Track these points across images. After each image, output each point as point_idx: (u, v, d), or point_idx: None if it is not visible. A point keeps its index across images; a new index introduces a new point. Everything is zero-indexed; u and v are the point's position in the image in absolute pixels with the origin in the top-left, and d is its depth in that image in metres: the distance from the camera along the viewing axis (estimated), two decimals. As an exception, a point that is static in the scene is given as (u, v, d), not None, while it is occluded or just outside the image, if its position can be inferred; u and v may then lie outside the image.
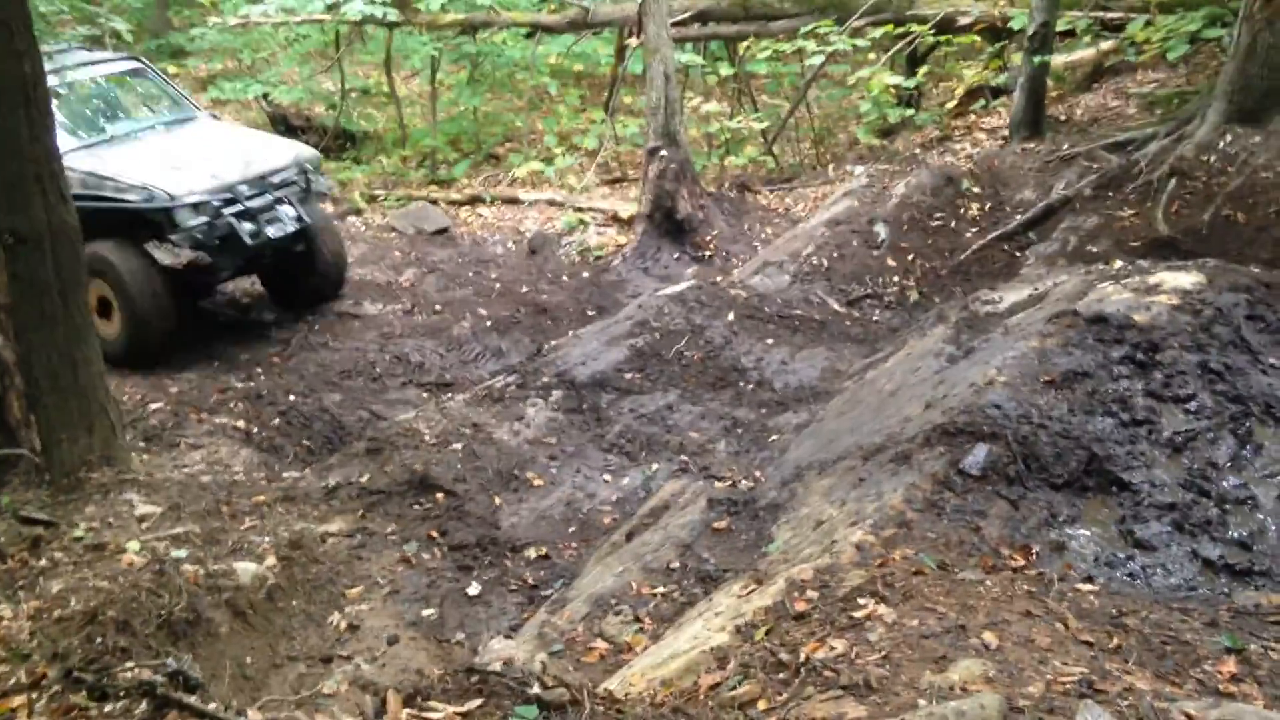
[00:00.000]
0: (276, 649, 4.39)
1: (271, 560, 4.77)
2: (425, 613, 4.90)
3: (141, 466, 5.49)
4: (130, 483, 5.06)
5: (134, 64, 9.74)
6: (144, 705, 2.90)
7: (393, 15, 12.95)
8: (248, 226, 8.26)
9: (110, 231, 7.98)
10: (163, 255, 8.00)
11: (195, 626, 4.07)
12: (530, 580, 5.18)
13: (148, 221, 8.04)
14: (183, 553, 4.50)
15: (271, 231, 8.43)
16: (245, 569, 4.59)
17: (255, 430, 7.10)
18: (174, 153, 8.56)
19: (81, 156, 8.06)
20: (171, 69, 17.28)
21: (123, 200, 7.98)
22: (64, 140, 7.23)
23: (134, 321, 7.99)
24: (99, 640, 3.63)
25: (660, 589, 4.38)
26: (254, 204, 8.38)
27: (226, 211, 8.19)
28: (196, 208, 8.03)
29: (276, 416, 7.36)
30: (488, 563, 5.30)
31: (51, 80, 7.63)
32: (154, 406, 7.29)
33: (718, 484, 5.48)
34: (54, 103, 7.28)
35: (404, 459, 5.94)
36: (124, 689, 2.99)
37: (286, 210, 8.59)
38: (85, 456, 5.15)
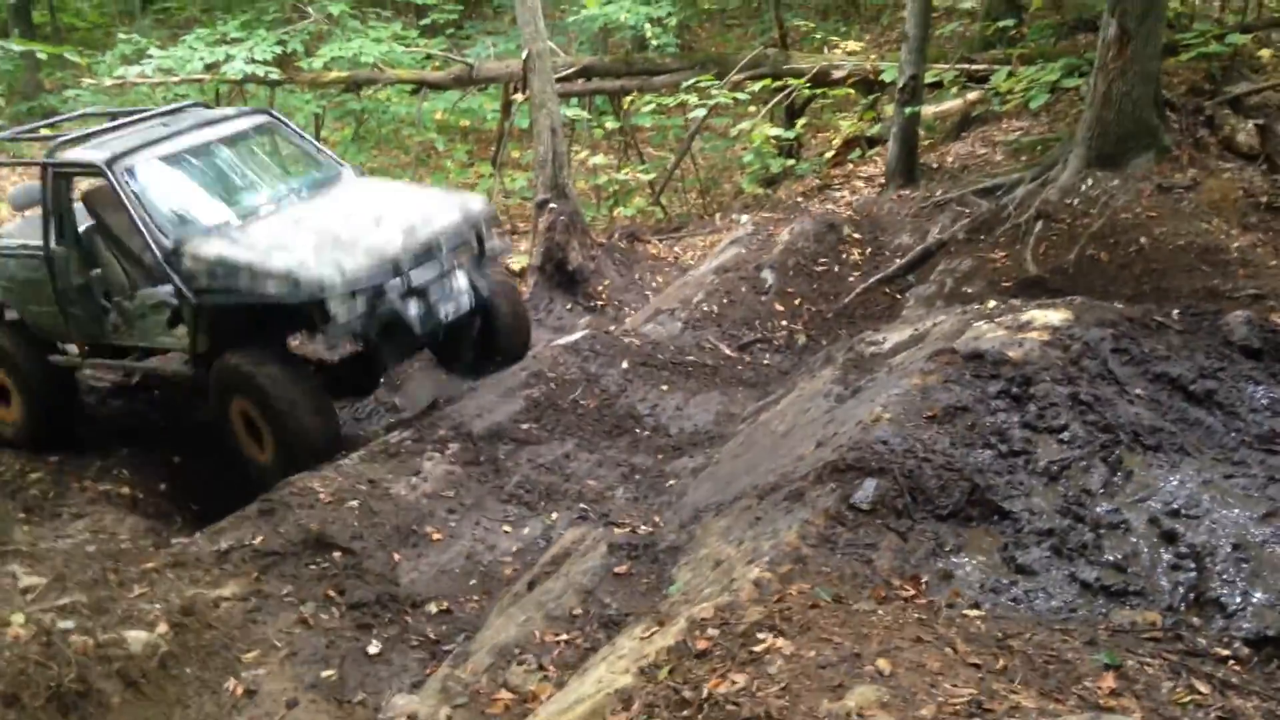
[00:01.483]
0: (171, 718, 4.29)
1: (163, 628, 4.67)
2: (325, 674, 4.83)
3: (24, 537, 5.33)
4: (12, 554, 4.91)
5: (261, 118, 8.18)
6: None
7: (275, 74, 12.87)
8: (415, 309, 6.91)
9: (245, 331, 6.89)
10: (315, 348, 7.28)
11: (86, 698, 3.97)
12: (432, 635, 5.15)
13: (293, 315, 6.80)
14: (70, 623, 4.39)
15: (445, 310, 7.10)
16: (136, 637, 4.49)
17: (141, 496, 6.93)
18: (320, 225, 7.04)
19: (208, 242, 6.81)
20: (44, 132, 16.85)
21: (260, 293, 6.56)
22: (185, 225, 6.82)
23: (288, 440, 6.71)
24: (-15, 718, 3.52)
25: (564, 636, 4.41)
26: (422, 279, 6.96)
27: (390, 293, 6.79)
28: (354, 295, 6.59)
29: (162, 481, 7.20)
30: (388, 620, 5.26)
31: (165, 149, 7.18)
32: (33, 476, 7.07)
33: (617, 530, 5.54)
34: (173, 178, 7.11)
35: (298, 518, 5.86)
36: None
37: (459, 282, 7.24)
38: (-37, 530, 4.99)
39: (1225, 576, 3.99)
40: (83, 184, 8.11)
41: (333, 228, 6.94)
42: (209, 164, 7.52)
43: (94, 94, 14.93)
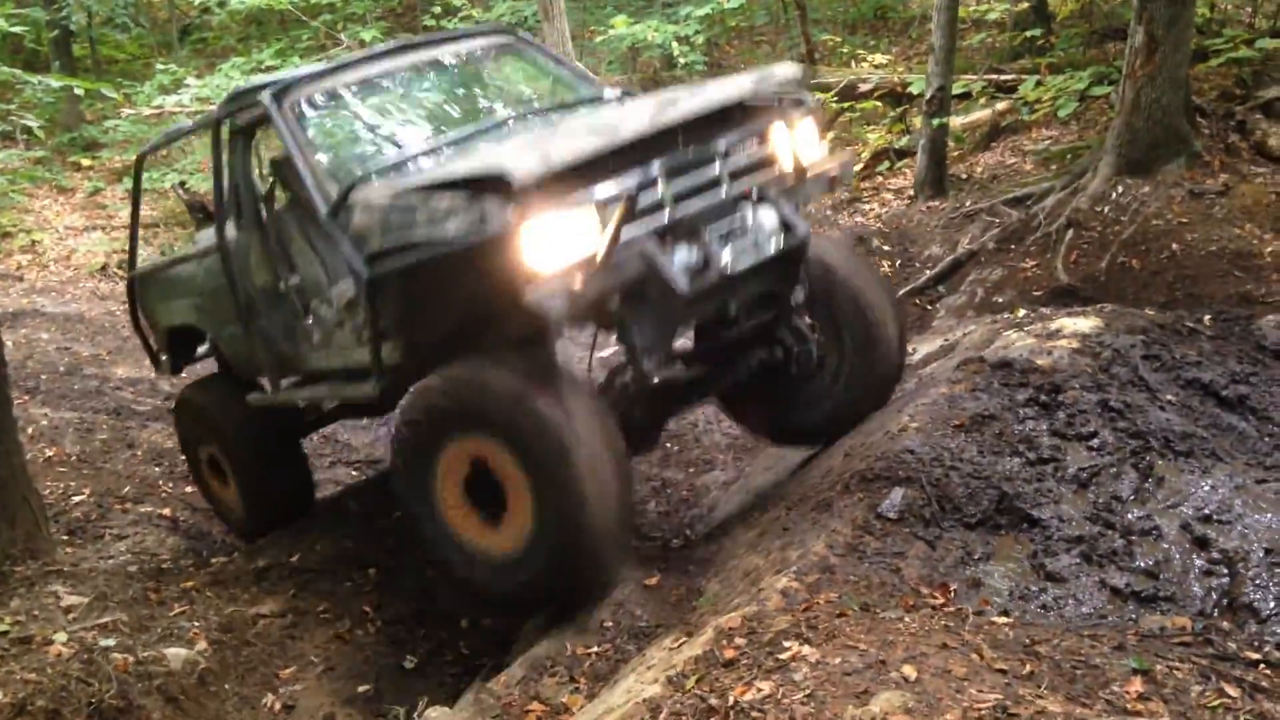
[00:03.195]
0: (212, 732, 4.37)
1: (202, 645, 4.75)
2: (361, 689, 4.90)
3: (66, 558, 5.43)
4: (55, 574, 5.01)
5: (501, 38, 6.06)
6: (77, 791, 2.90)
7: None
8: (684, 255, 4.35)
9: (464, 331, 4.69)
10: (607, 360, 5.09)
11: (126, 714, 4.05)
12: (466, 650, 5.20)
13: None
14: (111, 641, 4.47)
15: (737, 258, 4.46)
16: (176, 655, 4.57)
17: (182, 517, 7.04)
18: (540, 135, 4.94)
19: (385, 183, 4.67)
20: (85, 161, 17.24)
21: (442, 239, 4.16)
22: (361, 166, 4.90)
23: (563, 509, 4.17)
24: (28, 732, 3.60)
25: (594, 648, 4.44)
26: (688, 204, 4.39)
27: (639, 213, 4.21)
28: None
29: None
30: (423, 635, 5.31)
31: (356, 74, 5.33)
32: (77, 499, 7.19)
33: (648, 543, 5.57)
34: (361, 112, 5.30)
35: (334, 536, 5.94)
36: (56, 776, 2.99)
37: (760, 215, 4.58)
38: (8, 550, 5.10)
39: (1258, 581, 3.97)
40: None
41: (555, 132, 4.83)
42: (418, 94, 5.62)
43: (133, 123, 15.25)
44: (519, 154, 3.97)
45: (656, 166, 4.27)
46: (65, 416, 8.50)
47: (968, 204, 9.57)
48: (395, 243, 4.36)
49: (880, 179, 11.88)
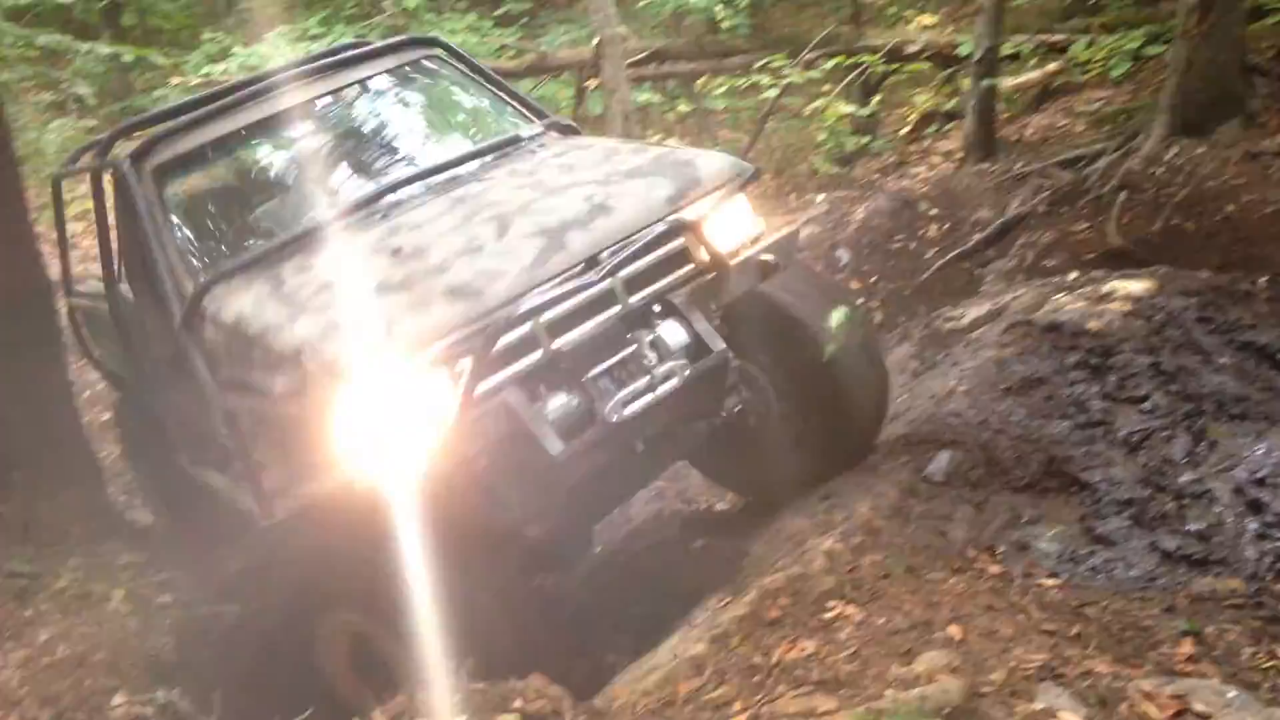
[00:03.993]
0: (270, 687, 4.44)
1: (256, 602, 4.82)
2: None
3: (123, 517, 5.55)
4: (113, 533, 5.11)
5: (412, 53, 4.93)
6: (136, 740, 2.97)
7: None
8: (562, 403, 3.59)
9: None
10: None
11: (181, 669, 4.12)
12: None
13: None
14: (168, 598, 4.56)
15: (628, 401, 3.62)
16: (230, 611, 4.65)
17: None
18: (418, 244, 3.73)
19: (243, 288, 3.85)
20: (136, 131, 17.39)
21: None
22: (222, 259, 4.07)
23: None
24: (88, 683, 3.69)
25: (640, 608, 4.47)
26: (573, 340, 3.59)
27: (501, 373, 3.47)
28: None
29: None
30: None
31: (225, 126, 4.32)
32: (131, 462, 7.32)
33: (690, 507, 5.58)
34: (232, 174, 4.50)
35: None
36: (116, 726, 3.06)
37: (668, 334, 3.76)
38: (67, 510, 5.20)
39: (1312, 545, 3.91)
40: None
41: (432, 253, 3.66)
42: (309, 141, 4.63)
43: (182, 92, 15.36)
44: (358, 325, 3.36)
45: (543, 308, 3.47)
46: (120, 381, 8.63)
47: (1017, 167, 9.42)
48: (238, 378, 3.69)
49: (928, 142, 11.73)
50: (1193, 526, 4.12)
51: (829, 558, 3.84)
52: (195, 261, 4.11)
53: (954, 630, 3.07)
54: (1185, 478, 4.36)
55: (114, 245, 4.71)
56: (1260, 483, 4.23)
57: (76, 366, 7.58)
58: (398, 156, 4.68)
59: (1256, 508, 4.13)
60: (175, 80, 15.02)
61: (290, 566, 3.89)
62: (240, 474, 3.91)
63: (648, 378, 3.61)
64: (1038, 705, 2.60)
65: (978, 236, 8.82)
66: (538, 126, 4.64)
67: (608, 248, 3.62)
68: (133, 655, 3.91)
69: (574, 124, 4.94)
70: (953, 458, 4.41)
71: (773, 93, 11.61)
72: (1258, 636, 3.12)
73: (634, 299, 3.67)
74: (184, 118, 4.48)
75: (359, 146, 4.73)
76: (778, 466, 4.54)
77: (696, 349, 3.75)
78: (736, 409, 4.24)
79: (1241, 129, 8.05)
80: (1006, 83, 11.08)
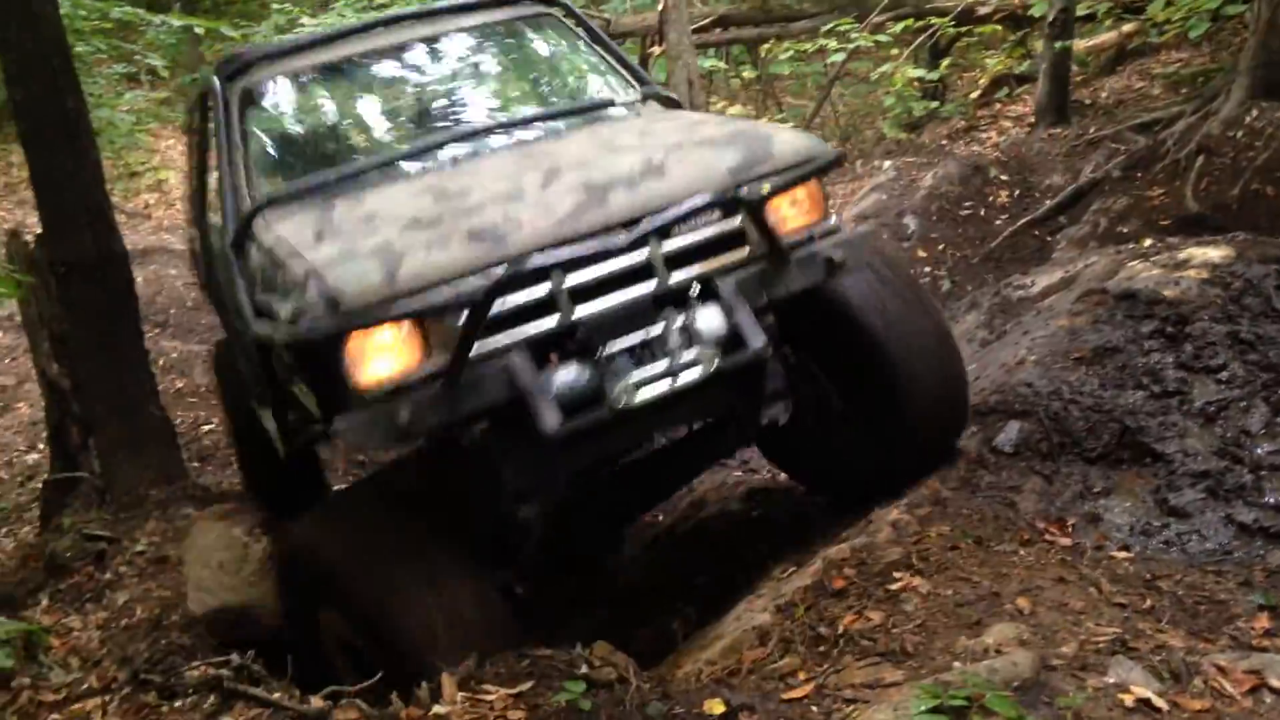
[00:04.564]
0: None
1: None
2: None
3: (197, 483, 5.67)
4: (188, 498, 5.22)
5: (529, 8, 4.80)
6: (211, 699, 3.04)
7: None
8: (575, 375, 3.24)
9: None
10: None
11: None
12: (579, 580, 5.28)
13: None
14: (241, 562, 4.65)
15: (642, 385, 3.24)
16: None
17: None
18: (463, 188, 3.57)
19: (288, 214, 3.75)
20: (207, 102, 17.67)
21: (261, 333, 3.51)
22: (285, 180, 4.08)
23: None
24: (164, 643, 3.79)
25: (703, 577, 4.48)
26: (597, 310, 3.29)
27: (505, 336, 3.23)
28: (417, 321, 3.16)
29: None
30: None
31: (324, 56, 4.39)
32: (206, 428, 7.48)
33: (755, 476, 5.57)
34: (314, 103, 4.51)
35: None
36: (191, 686, 3.13)
37: (702, 319, 3.36)
38: (143, 475, 5.32)
39: (1396, 519, 3.80)
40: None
41: (473, 195, 3.49)
42: (406, 81, 4.68)
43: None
44: (367, 262, 3.16)
45: (549, 252, 3.18)
46: (194, 349, 8.83)
47: (1091, 131, 9.21)
48: (265, 303, 3.51)
49: (999, 106, 11.50)
50: (1270, 499, 4.02)
51: (895, 528, 3.81)
52: (262, 188, 4.06)
53: (1023, 603, 3.03)
54: (1263, 449, 4.25)
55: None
56: (1342, 455, 4.11)
57: (150, 337, 7.75)
58: (481, 108, 4.66)
59: (1338, 480, 4.01)
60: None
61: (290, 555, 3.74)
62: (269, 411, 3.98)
63: (667, 362, 3.24)
64: (1109, 679, 2.56)
65: (1049, 203, 8.65)
66: (635, 94, 4.48)
67: (652, 213, 3.31)
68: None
69: (675, 97, 4.75)
70: (1022, 428, 4.34)
71: (839, 57, 11.47)
72: (1338, 612, 3.05)
73: (673, 277, 3.34)
74: (289, 47, 4.53)
75: (447, 94, 4.70)
76: (843, 466, 4.28)
77: (733, 343, 3.34)
78: (783, 417, 3.90)
79: (1326, 90, 7.79)
80: (1080, 44, 10.83)
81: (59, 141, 5.16)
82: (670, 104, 4.55)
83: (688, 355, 3.25)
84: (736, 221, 3.47)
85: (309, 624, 3.70)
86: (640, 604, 4.50)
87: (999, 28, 11.47)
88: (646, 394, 3.20)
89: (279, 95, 4.51)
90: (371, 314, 3.04)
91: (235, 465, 6.56)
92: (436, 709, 2.81)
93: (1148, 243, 6.56)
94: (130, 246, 5.80)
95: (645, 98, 4.47)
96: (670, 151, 3.64)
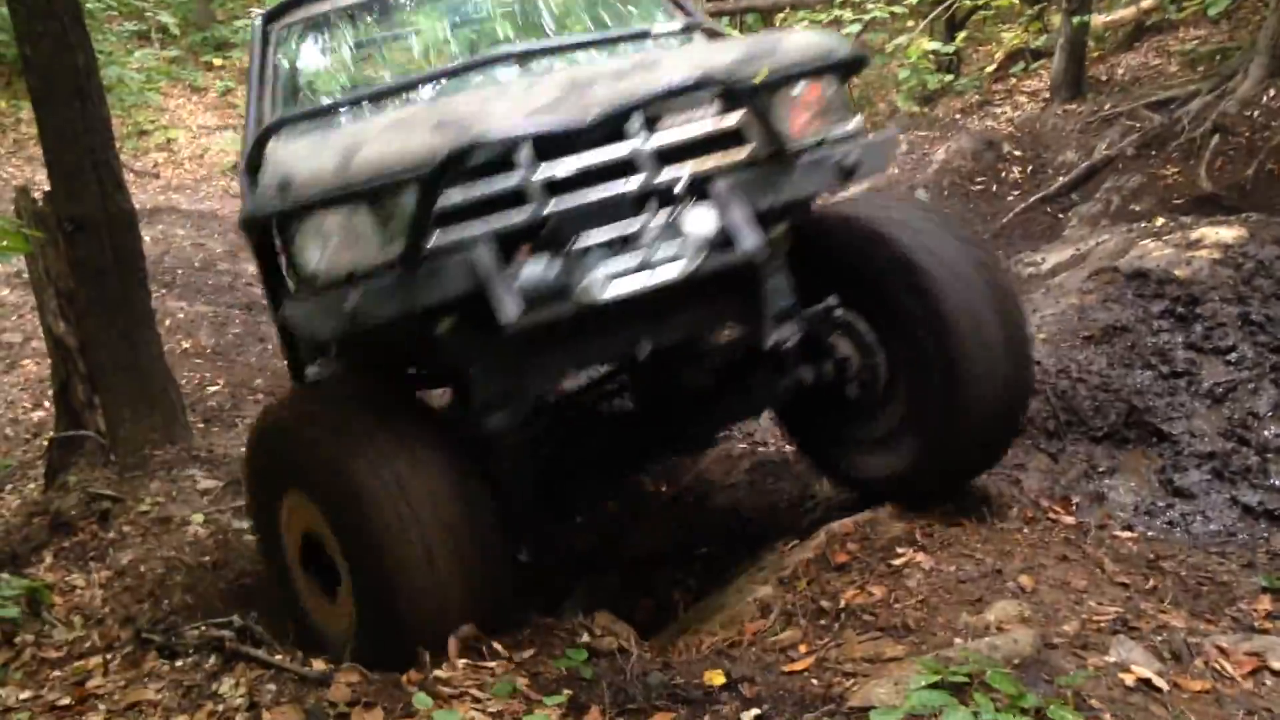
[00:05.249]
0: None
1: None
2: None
3: (203, 444, 5.67)
4: (193, 459, 5.23)
5: None
6: (212, 660, 3.05)
7: None
8: (543, 269, 2.99)
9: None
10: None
11: (260, 593, 4.22)
12: (580, 548, 5.29)
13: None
14: (245, 524, 4.66)
15: (623, 276, 3.01)
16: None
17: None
18: (484, 96, 3.34)
19: (298, 134, 3.61)
20: (216, 61, 17.60)
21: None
22: (302, 102, 4.20)
23: (377, 593, 3.12)
24: (167, 604, 3.80)
25: (705, 549, 4.48)
26: (570, 206, 3.05)
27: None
28: (368, 202, 2.99)
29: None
30: (532, 539, 5.41)
31: None
32: (212, 389, 7.48)
33: (760, 449, 5.55)
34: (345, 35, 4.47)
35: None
36: (192, 646, 3.14)
37: (696, 218, 3.07)
38: (148, 435, 5.33)
39: (1402, 504, 3.79)
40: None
41: (467, 97, 3.41)
42: (422, 16, 4.68)
43: (262, 25, 15.48)
44: (326, 152, 3.01)
45: (521, 140, 2.99)
46: (200, 310, 8.82)
47: (1106, 107, 9.14)
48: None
49: (1014, 81, 11.42)
50: (1276, 481, 4.02)
51: (899, 504, 3.81)
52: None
53: (1026, 581, 3.02)
54: (1270, 431, 4.24)
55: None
56: (1350, 439, 4.09)
57: (156, 297, 7.75)
58: (512, 38, 4.53)
59: (1345, 464, 4.00)
60: (256, 10, 15.13)
61: (263, 430, 3.53)
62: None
63: (643, 255, 3.01)
64: (1110, 658, 2.56)
65: (1062, 179, 8.61)
66: (677, 24, 4.25)
67: (640, 105, 3.06)
68: (210, 580, 4.02)
69: (721, 29, 4.56)
70: (1029, 406, 4.32)
71: (855, 28, 11.35)
72: (1341, 596, 3.04)
73: (659, 175, 3.08)
74: None
75: (478, 26, 4.65)
76: (883, 456, 3.74)
77: (725, 245, 3.07)
78: (793, 339, 3.45)
79: (1346, 71, 7.72)
80: (1098, 19, 10.74)
81: (68, 98, 5.13)
82: (713, 34, 4.33)
83: (667, 250, 3.02)
84: (734, 119, 3.22)
85: (270, 513, 3.53)
86: (641, 574, 4.50)
87: (1016, 1, 11.36)
88: (618, 289, 2.97)
89: (311, 34, 4.54)
90: (319, 195, 2.90)
91: (240, 427, 6.57)
92: (437, 673, 2.82)
93: (1160, 222, 6.52)
94: (138, 205, 5.78)
95: (687, 28, 4.24)
96: (675, 58, 3.44)
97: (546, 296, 2.97)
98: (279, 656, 2.98)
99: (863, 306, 3.61)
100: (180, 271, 9.88)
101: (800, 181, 3.29)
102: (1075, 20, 9.54)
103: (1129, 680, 2.45)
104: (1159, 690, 2.42)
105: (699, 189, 3.12)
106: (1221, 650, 2.59)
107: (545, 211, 2.99)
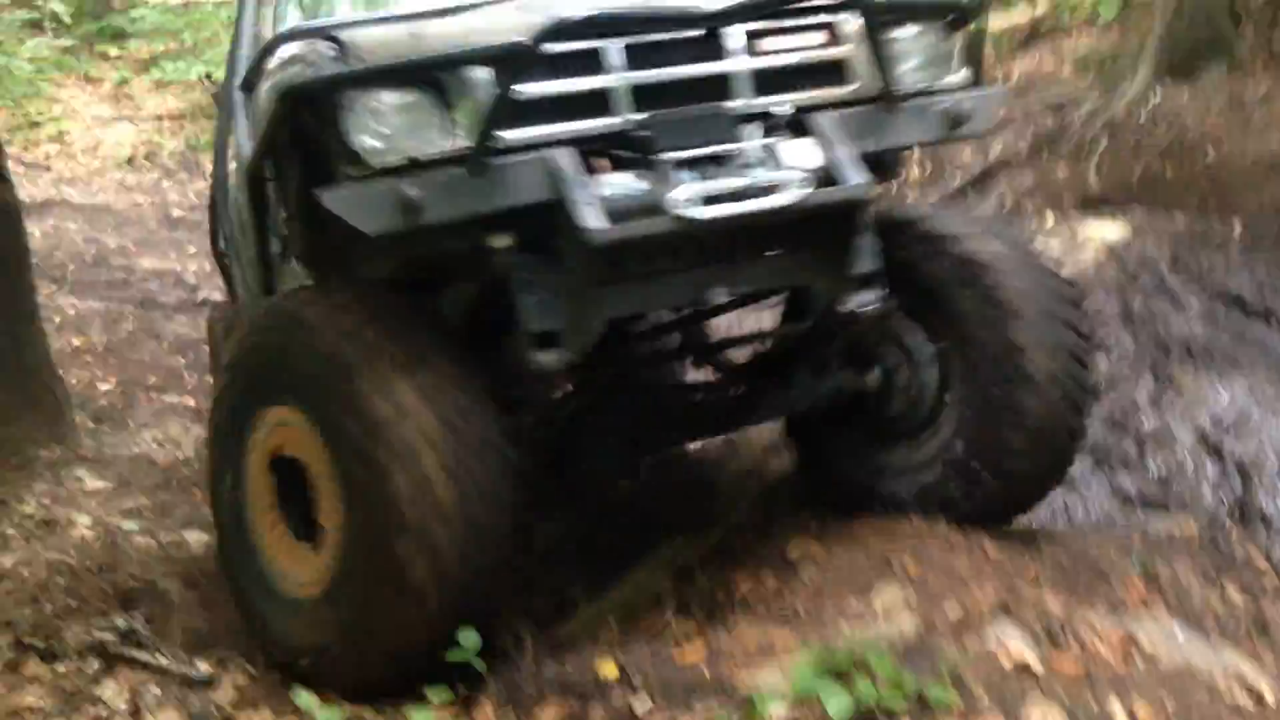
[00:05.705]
0: (228, 616, 4.46)
1: (223, 530, 4.82)
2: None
3: (91, 445, 5.53)
4: (79, 460, 5.09)
5: None
6: (96, 664, 2.98)
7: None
8: (628, 182, 2.77)
9: None
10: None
11: (147, 595, 4.12)
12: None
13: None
14: (134, 525, 4.55)
15: (697, 201, 2.67)
16: (197, 539, 4.64)
17: (206, 407, 7.12)
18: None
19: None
20: (112, 51, 17.13)
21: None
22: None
23: (372, 562, 2.77)
24: (50, 608, 3.69)
25: (605, 543, 4.50)
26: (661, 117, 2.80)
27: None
28: (420, 88, 2.67)
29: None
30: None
31: None
32: (104, 388, 7.28)
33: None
34: None
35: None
36: (74, 650, 3.07)
37: (794, 146, 2.89)
38: (32, 435, 5.17)
39: (1271, 490, 3.96)
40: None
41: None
42: None
43: (161, 13, 15.14)
44: (390, 28, 2.82)
45: (611, 41, 2.73)
46: (92, 306, 8.57)
47: (1002, 109, 9.37)
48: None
49: (913, 82, 11.63)
50: (1154, 471, 4.17)
51: (795, 497, 3.87)
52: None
53: (912, 568, 3.09)
54: (1149, 422, 4.39)
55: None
56: (1223, 428, 4.26)
57: (46, 293, 7.53)
58: None
59: (1217, 452, 4.17)
60: (154, 0, 14.78)
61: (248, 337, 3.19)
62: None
63: (745, 180, 2.74)
64: (989, 640, 2.63)
65: (959, 180, 8.79)
66: None
67: (742, 15, 2.82)
68: (96, 583, 3.91)
69: None
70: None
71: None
72: (1210, 578, 3.17)
73: (759, 99, 2.85)
74: None
75: None
76: (911, 481, 3.45)
77: (826, 181, 2.81)
78: (874, 307, 3.11)
79: (1227, 74, 8.01)
80: (995, 24, 10.96)
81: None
82: None
83: (772, 176, 2.77)
84: (841, 50, 3.05)
85: (240, 431, 3.16)
86: (539, 567, 4.50)
87: (916, 4, 11.58)
88: (714, 211, 2.67)
89: None
90: (388, 63, 2.60)
91: (132, 426, 6.42)
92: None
93: (1050, 220, 6.71)
94: (28, 199, 5.62)
95: None
96: None
97: (636, 212, 2.69)
98: (164, 659, 2.93)
99: (919, 313, 3.37)
100: (71, 267, 9.58)
101: (907, 127, 3.13)
102: (972, 25, 9.75)
103: (1006, 663, 2.53)
104: (1034, 672, 2.50)
105: (798, 122, 2.92)
106: (1094, 629, 2.68)
107: (640, 121, 2.75)
